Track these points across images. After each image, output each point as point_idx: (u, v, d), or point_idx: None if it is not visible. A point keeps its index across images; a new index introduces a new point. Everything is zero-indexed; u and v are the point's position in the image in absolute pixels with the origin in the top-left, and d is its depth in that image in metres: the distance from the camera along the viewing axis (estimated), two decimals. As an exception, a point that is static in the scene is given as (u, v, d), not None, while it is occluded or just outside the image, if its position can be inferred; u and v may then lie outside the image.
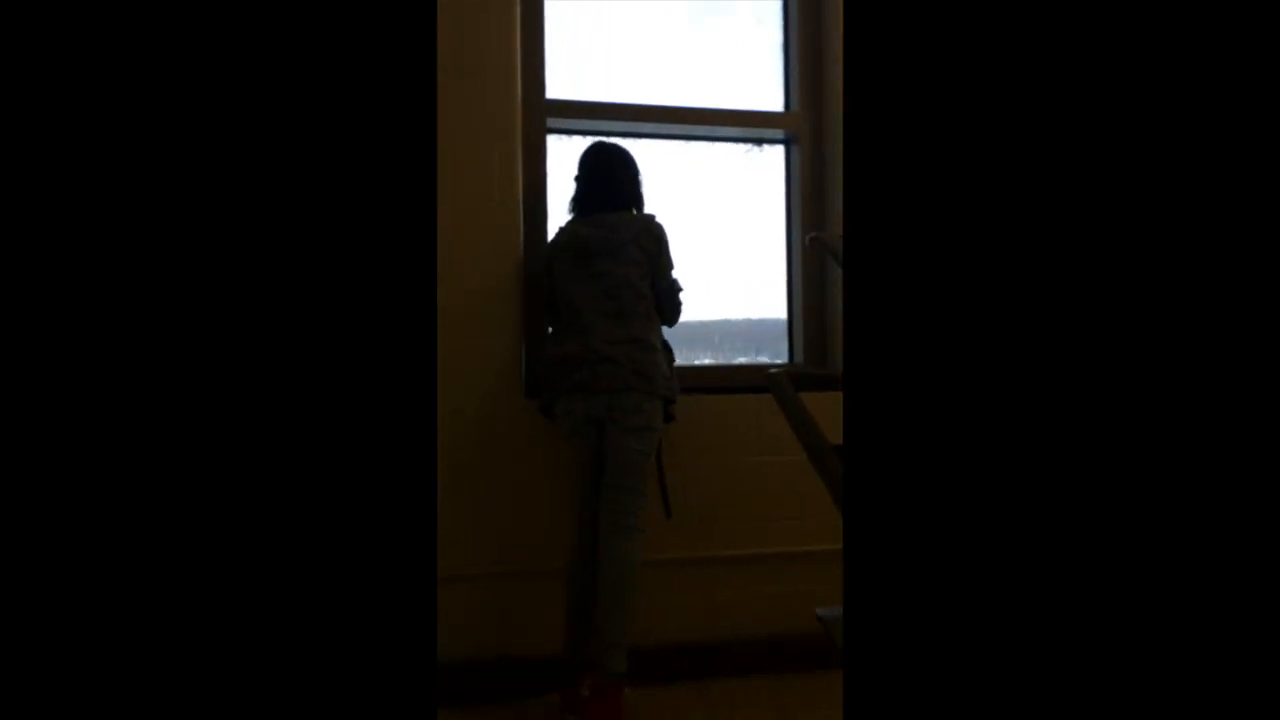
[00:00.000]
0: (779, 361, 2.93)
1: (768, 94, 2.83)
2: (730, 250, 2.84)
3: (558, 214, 2.54)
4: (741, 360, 4.03)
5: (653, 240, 2.28)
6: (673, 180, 2.73)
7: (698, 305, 2.69)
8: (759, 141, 2.80)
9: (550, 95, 2.61)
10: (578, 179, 2.37)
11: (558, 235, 2.35)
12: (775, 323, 2.90)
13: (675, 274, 2.36)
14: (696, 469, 2.50)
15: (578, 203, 2.36)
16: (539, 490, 2.41)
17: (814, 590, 2.47)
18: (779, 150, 2.84)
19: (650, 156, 2.69)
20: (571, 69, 2.67)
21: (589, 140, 2.58)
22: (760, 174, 2.84)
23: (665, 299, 2.32)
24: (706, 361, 4.36)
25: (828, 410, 1.31)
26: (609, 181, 2.34)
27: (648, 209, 2.43)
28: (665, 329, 2.37)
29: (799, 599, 2.48)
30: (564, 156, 2.60)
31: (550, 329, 2.40)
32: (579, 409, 2.19)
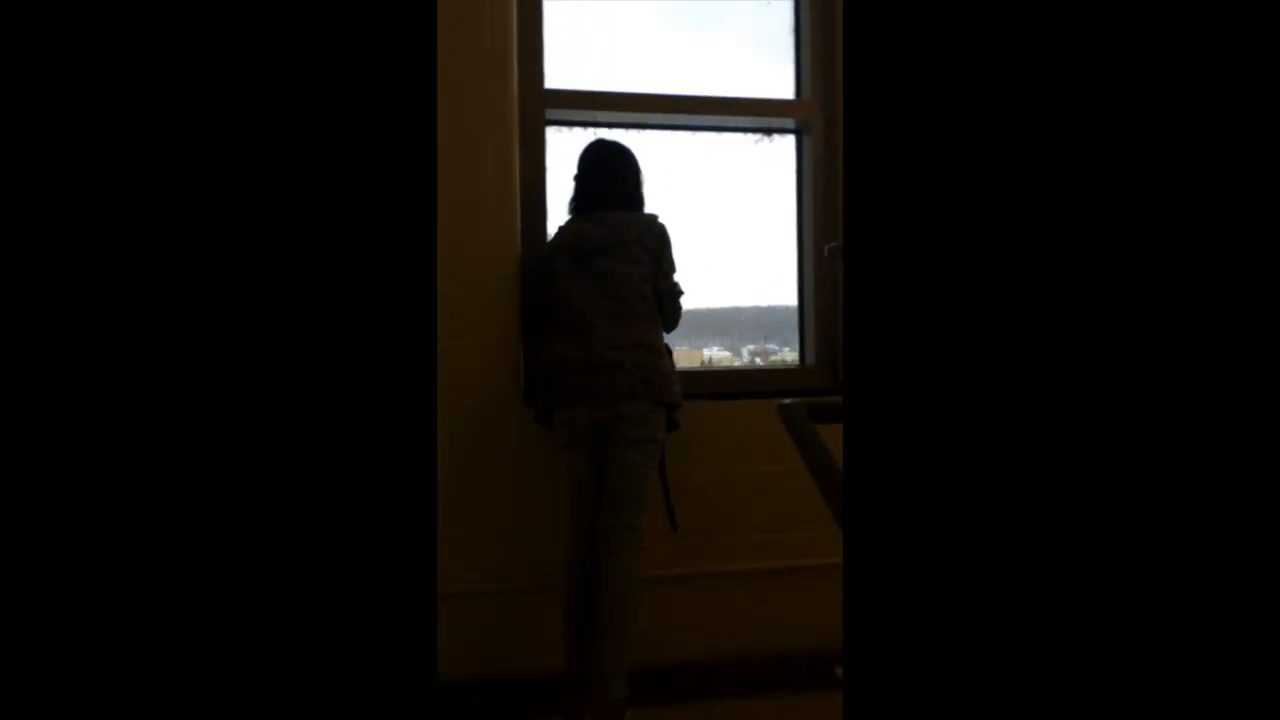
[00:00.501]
0: (788, 350, 2.82)
1: (778, 81, 2.69)
2: (739, 239, 2.75)
3: (557, 210, 2.43)
4: (750, 348, 3.96)
5: (656, 240, 2.18)
6: (680, 172, 2.62)
7: (706, 293, 2.63)
8: (769, 131, 2.67)
9: (549, 86, 2.48)
10: (577, 177, 2.26)
11: (557, 234, 2.25)
12: (784, 309, 2.81)
13: (677, 277, 2.25)
14: (702, 479, 2.39)
15: (577, 201, 2.25)
16: (540, 502, 2.31)
17: (825, 606, 2.36)
18: (790, 140, 2.70)
19: (656, 149, 2.56)
20: (571, 64, 2.54)
21: (590, 133, 2.46)
22: (770, 165, 2.71)
23: (666, 301, 2.21)
24: (715, 349, 4.27)
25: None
26: (610, 179, 2.22)
27: (653, 203, 2.32)
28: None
29: (810, 614, 2.39)
30: (564, 150, 2.48)
31: (548, 331, 2.28)
32: (580, 418, 2.09)
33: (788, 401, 1.25)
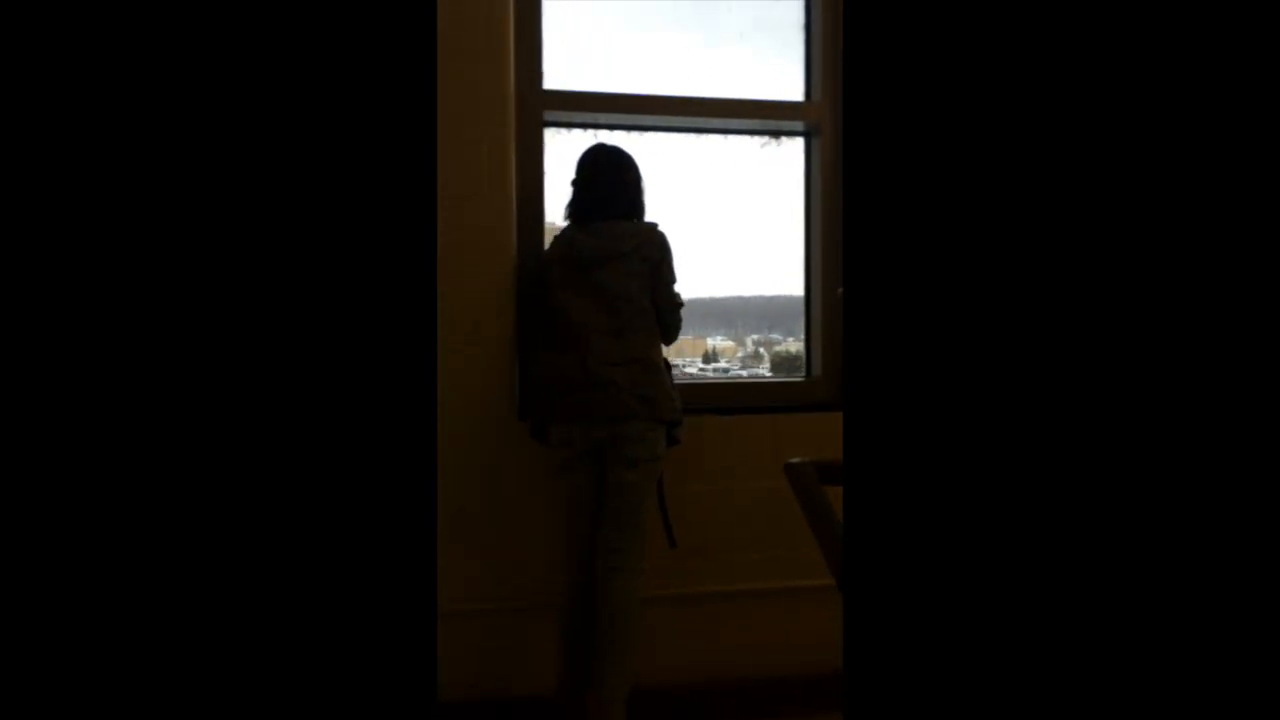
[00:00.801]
0: (792, 341, 2.75)
1: (787, 82, 2.58)
2: (743, 232, 2.68)
3: (555, 215, 2.34)
4: (754, 338, 3.93)
5: (655, 250, 2.09)
6: (683, 175, 2.53)
7: (710, 282, 2.61)
8: (776, 134, 2.57)
9: (548, 86, 2.38)
10: (575, 184, 2.17)
11: (554, 243, 2.17)
12: (788, 299, 2.76)
13: (677, 288, 2.16)
14: (702, 495, 2.32)
15: (575, 209, 2.15)
16: (536, 518, 2.24)
17: (829, 627, 2.30)
18: (798, 144, 2.60)
19: (658, 152, 2.47)
20: (571, 64, 2.44)
21: (589, 135, 2.36)
22: (775, 165, 2.62)
23: (665, 314, 2.13)
24: (719, 339, 4.22)
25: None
26: (610, 187, 2.13)
27: (655, 205, 2.24)
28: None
29: (813, 636, 2.32)
30: (562, 152, 2.38)
31: (544, 343, 2.20)
32: (578, 438, 2.01)
33: (795, 461, 1.17)
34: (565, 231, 2.14)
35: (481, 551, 2.22)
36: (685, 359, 3.59)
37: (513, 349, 2.27)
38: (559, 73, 2.41)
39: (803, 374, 2.66)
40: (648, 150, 2.38)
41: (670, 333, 2.16)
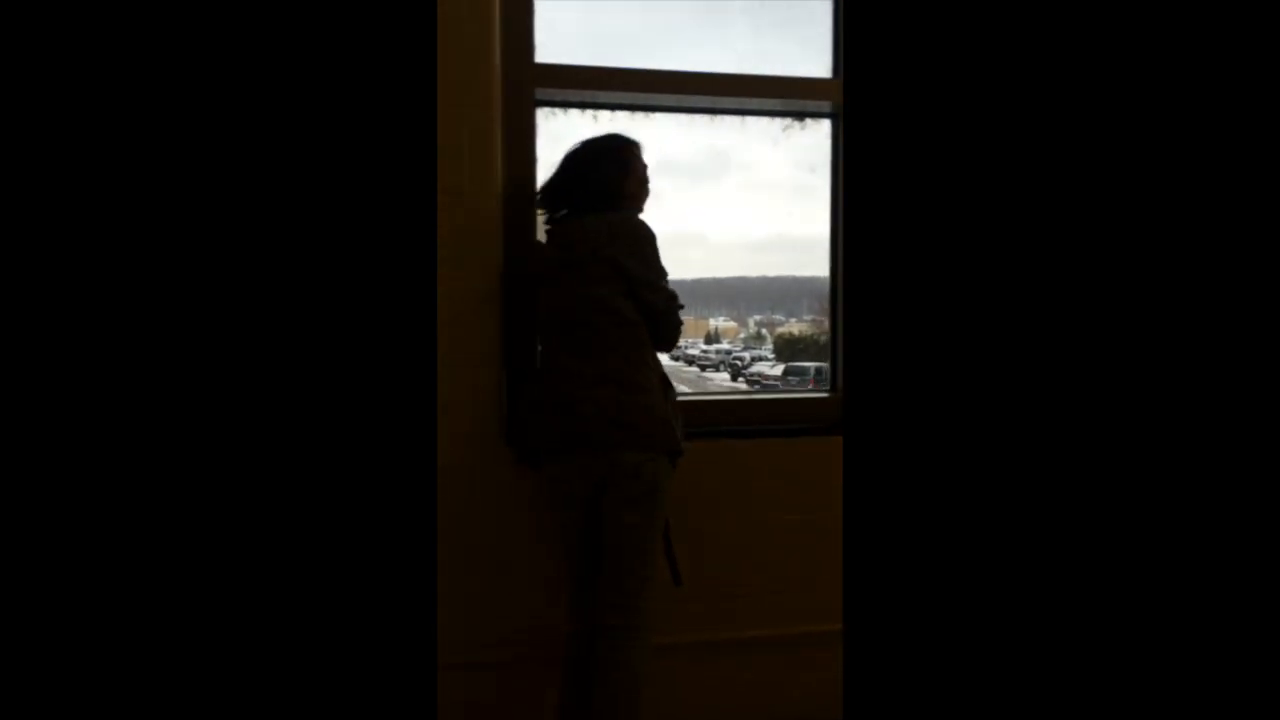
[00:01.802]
0: (794, 322, 2.75)
1: (812, 58, 2.28)
2: (744, 216, 2.54)
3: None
4: (756, 318, 3.88)
5: (623, 246, 1.75)
6: (685, 154, 2.31)
7: (711, 264, 2.59)
8: (800, 115, 2.27)
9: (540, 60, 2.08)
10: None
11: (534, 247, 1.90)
12: (789, 280, 2.75)
13: (669, 283, 1.84)
14: (711, 530, 2.08)
15: (541, 204, 1.92)
16: (532, 558, 2.00)
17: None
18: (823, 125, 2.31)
19: (668, 134, 2.18)
20: (569, 36, 2.14)
21: (588, 117, 2.08)
22: (782, 148, 2.35)
23: (656, 318, 1.79)
24: (721, 319, 4.09)
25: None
26: (576, 177, 1.85)
27: (656, 187, 1.94)
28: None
29: (832, 686, 2.09)
30: (558, 137, 2.09)
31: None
32: (568, 475, 1.77)
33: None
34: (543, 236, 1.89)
35: (471, 593, 1.98)
36: (687, 340, 3.43)
37: (498, 364, 1.99)
38: (553, 45, 2.09)
39: (820, 378, 2.40)
40: (655, 135, 2.10)
41: (665, 335, 1.82)
